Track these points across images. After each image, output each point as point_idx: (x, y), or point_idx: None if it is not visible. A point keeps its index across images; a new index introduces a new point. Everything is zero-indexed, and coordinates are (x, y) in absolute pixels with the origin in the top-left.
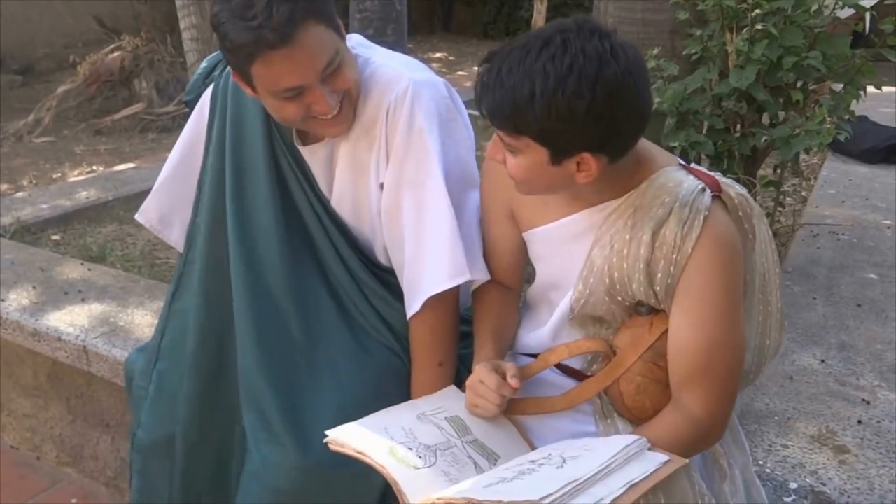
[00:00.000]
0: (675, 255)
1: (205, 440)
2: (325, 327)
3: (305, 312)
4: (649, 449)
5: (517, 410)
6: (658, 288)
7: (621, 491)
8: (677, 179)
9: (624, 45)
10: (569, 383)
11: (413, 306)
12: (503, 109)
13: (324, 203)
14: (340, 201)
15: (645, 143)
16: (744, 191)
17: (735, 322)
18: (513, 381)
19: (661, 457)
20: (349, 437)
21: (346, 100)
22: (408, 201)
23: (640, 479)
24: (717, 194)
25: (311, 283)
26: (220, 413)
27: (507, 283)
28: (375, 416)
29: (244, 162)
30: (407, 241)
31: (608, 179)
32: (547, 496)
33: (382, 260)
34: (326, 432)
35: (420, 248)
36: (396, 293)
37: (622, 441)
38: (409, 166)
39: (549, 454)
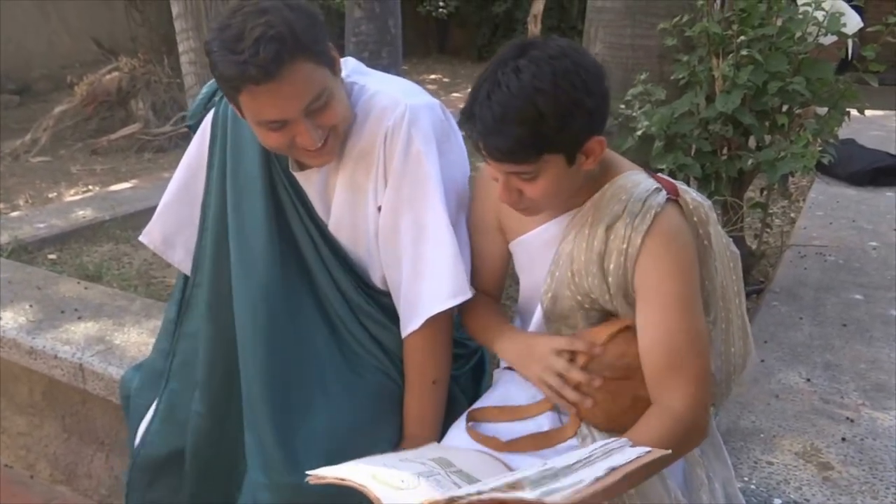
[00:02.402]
0: (625, 246)
1: (216, 455)
2: (317, 351)
3: (298, 336)
4: (631, 446)
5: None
6: (610, 279)
7: (603, 472)
8: (636, 181)
9: (559, 37)
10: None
11: (411, 325)
12: (524, 142)
13: (320, 227)
14: (338, 225)
15: (614, 154)
16: (704, 200)
17: (695, 310)
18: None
19: (642, 448)
20: (330, 470)
21: (332, 134)
22: (406, 222)
23: (621, 464)
24: (675, 198)
25: (304, 307)
26: (230, 429)
27: (491, 292)
28: (356, 461)
29: (242, 187)
30: (405, 260)
31: (584, 181)
32: (525, 477)
33: (378, 282)
34: (307, 472)
35: (419, 267)
36: (390, 315)
37: (603, 441)
38: (406, 188)
39: (532, 464)
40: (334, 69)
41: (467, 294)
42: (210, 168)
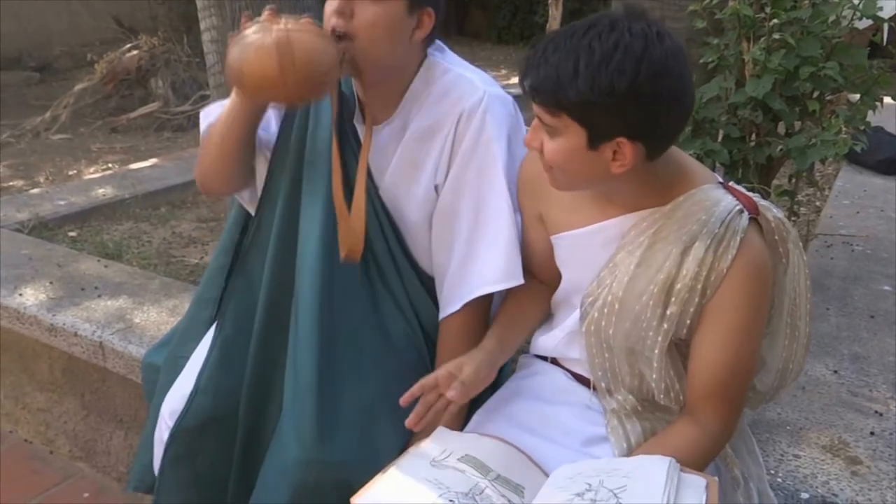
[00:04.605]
0: (705, 272)
1: (267, 406)
2: (360, 312)
3: (336, 302)
4: (682, 470)
5: None
6: (673, 300)
7: None
8: (715, 198)
9: (670, 33)
10: (581, 389)
11: (452, 306)
12: (547, 84)
13: (376, 186)
14: (386, 193)
15: (686, 158)
16: (781, 214)
17: (757, 344)
18: (450, 394)
19: (699, 479)
20: (383, 499)
21: (350, 43)
22: (466, 204)
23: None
24: (754, 216)
25: (348, 269)
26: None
27: (541, 279)
28: (389, 473)
29: (318, 141)
30: (458, 242)
31: (644, 186)
32: None
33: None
34: (352, 500)
35: (473, 249)
36: (430, 292)
37: (659, 466)
38: (472, 171)
39: (590, 485)
40: (413, 11)
41: (519, 280)
42: (289, 119)
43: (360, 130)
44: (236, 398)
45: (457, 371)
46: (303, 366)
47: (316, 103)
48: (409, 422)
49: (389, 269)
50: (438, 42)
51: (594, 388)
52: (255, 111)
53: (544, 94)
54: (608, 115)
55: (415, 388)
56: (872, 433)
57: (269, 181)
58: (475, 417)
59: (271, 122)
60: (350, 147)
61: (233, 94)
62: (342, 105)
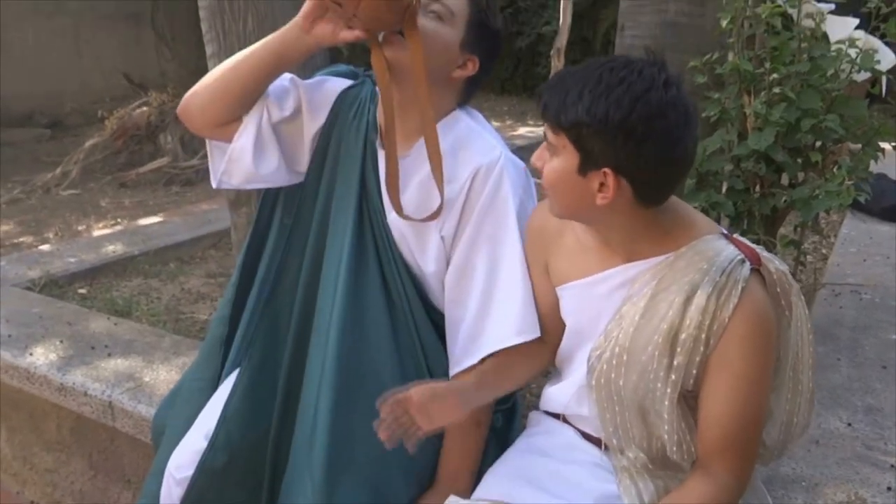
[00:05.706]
0: (707, 322)
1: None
2: (377, 356)
3: (363, 338)
4: None
5: None
6: (679, 350)
7: None
8: (717, 248)
9: (680, 86)
10: (591, 447)
11: (468, 360)
12: (554, 103)
13: (385, 217)
14: (393, 224)
15: (689, 209)
16: (784, 267)
17: (765, 395)
18: (413, 391)
19: None
20: None
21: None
22: (481, 260)
23: None
24: (757, 267)
25: (372, 306)
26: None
27: (542, 333)
28: None
29: (346, 172)
30: (473, 296)
31: (645, 232)
32: None
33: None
34: None
35: (488, 304)
36: (440, 334)
37: None
38: (488, 226)
39: None
40: (464, 50)
41: (536, 333)
42: (325, 146)
43: (380, 154)
44: (263, 428)
45: (429, 387)
46: (322, 404)
47: (350, 125)
48: (381, 434)
49: (404, 308)
50: (471, 109)
51: (605, 447)
52: (299, 48)
53: (550, 112)
54: (599, 143)
55: (387, 397)
56: (889, 488)
57: (301, 207)
58: (486, 477)
59: (288, 98)
60: (372, 167)
61: (284, 30)
62: (369, 141)
